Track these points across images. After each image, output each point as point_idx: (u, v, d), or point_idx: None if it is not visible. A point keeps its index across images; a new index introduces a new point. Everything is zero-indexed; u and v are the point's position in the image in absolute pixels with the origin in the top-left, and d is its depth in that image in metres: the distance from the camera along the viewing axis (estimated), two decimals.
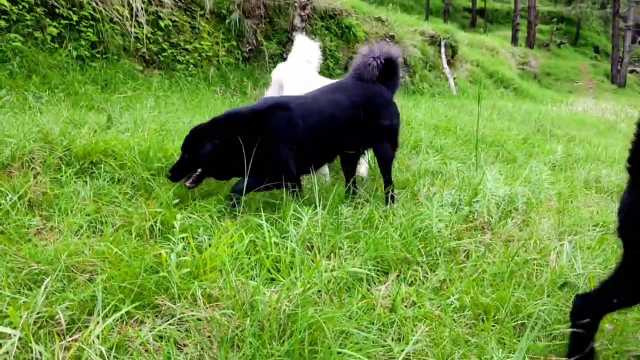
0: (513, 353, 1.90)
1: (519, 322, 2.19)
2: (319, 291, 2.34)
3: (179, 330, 1.98)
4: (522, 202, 3.97)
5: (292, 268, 2.51)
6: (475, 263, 2.79)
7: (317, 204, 2.98)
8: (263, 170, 3.23)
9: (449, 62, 14.99)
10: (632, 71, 35.04)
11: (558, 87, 26.03)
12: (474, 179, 4.17)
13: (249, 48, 9.50)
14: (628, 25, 32.08)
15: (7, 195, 2.81)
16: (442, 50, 14.94)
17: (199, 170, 3.26)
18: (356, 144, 3.76)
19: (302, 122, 3.30)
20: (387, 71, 3.76)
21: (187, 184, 3.27)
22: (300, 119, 3.31)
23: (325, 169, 4.34)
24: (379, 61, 3.66)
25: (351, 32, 11.95)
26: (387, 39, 13.32)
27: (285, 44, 10.01)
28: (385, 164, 3.84)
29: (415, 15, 18.38)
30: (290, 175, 3.36)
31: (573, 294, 2.47)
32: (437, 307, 2.32)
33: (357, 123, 3.57)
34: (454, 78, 14.92)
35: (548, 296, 2.39)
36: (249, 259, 2.53)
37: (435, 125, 7.67)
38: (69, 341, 1.77)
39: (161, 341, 1.91)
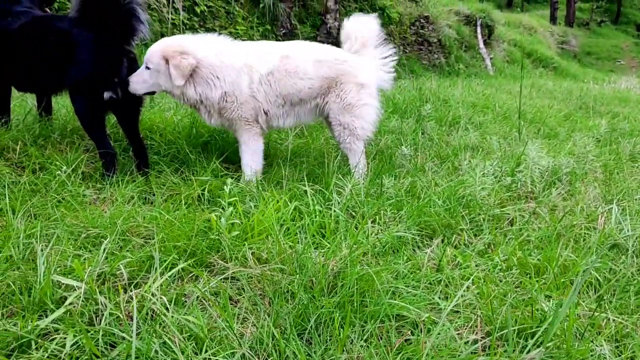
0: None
1: (568, 280, 2.17)
2: (365, 253, 2.37)
3: (232, 288, 2.05)
4: (566, 172, 3.90)
5: (336, 233, 2.55)
6: (521, 228, 2.78)
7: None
8: None
9: (485, 42, 14.70)
10: None
11: (599, 66, 25.19)
12: (516, 151, 4.12)
13: (283, 32, 9.54)
14: None
15: (62, 167, 2.93)
16: (479, 30, 14.66)
17: None
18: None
19: None
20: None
21: None
22: None
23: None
24: None
25: (385, 14, 11.85)
26: (422, 20, 13.18)
27: (319, 27, 10.02)
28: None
29: None
30: None
31: (622, 255, 2.45)
32: (483, 268, 2.32)
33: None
34: (491, 58, 14.64)
35: (597, 257, 2.36)
36: (295, 224, 2.58)
37: (473, 103, 7.57)
38: (130, 295, 1.85)
39: (216, 297, 1.98)
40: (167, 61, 3.11)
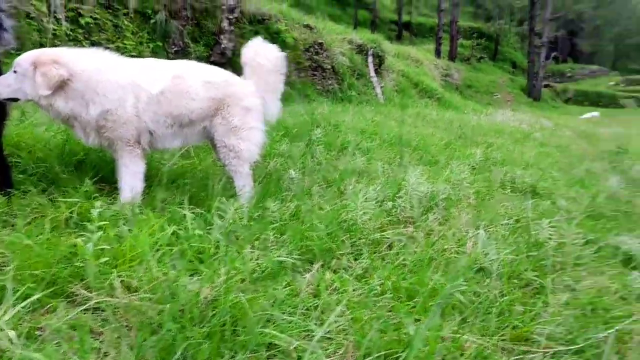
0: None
1: (436, 303, 2.27)
2: (243, 280, 2.32)
3: (95, 319, 1.90)
4: (443, 198, 4.13)
5: (215, 259, 2.47)
6: (398, 252, 2.88)
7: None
8: None
9: (376, 71, 15.36)
10: (546, 85, 37.38)
11: (478, 99, 27.26)
12: (398, 177, 4.30)
13: (175, 49, 9.33)
14: (543, 42, 34.19)
15: None
16: (370, 59, 15.30)
17: None
18: None
19: None
20: None
21: None
22: None
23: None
24: None
25: (280, 38, 12.00)
26: (316, 46, 13.51)
27: (213, 46, 9.91)
28: None
29: (343, 25, 18.71)
30: None
31: (487, 277, 2.61)
32: (360, 293, 2.36)
33: None
34: (382, 87, 15.31)
35: (464, 280, 2.49)
36: (171, 250, 2.47)
37: (362, 130, 7.84)
38: None
39: (74, 330, 1.82)
40: (35, 67, 2.90)
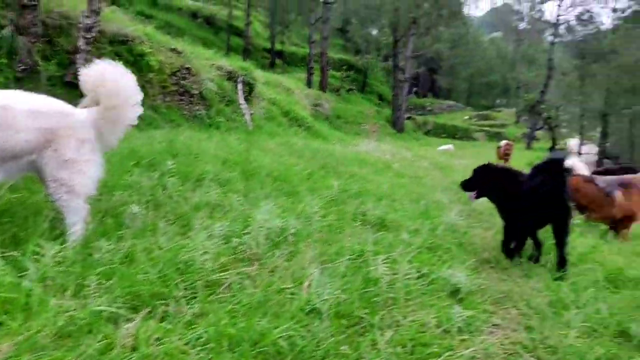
0: None
1: (262, 349, 2.23)
2: (54, 334, 2.11)
3: None
4: (292, 233, 4.15)
5: (25, 310, 2.23)
6: (235, 294, 2.81)
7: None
8: None
9: (246, 98, 15.37)
10: (409, 118, 40.08)
11: (347, 129, 28.40)
12: (247, 212, 4.25)
13: (22, 68, 8.56)
14: (405, 78, 36.73)
15: None
16: (240, 86, 15.29)
17: None
18: None
19: None
20: None
21: None
22: None
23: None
24: None
25: (144, 60, 11.58)
26: (183, 71, 13.22)
27: (68, 66, 9.27)
28: None
29: (214, 50, 18.54)
30: None
31: (318, 318, 2.63)
32: (186, 342, 2.26)
33: None
34: (251, 114, 15.34)
35: (295, 322, 2.49)
36: None
37: (225, 159, 7.72)
38: None
39: None
40: None
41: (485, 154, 25.64)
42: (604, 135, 40.68)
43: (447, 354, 2.52)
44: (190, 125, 12.01)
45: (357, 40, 48.22)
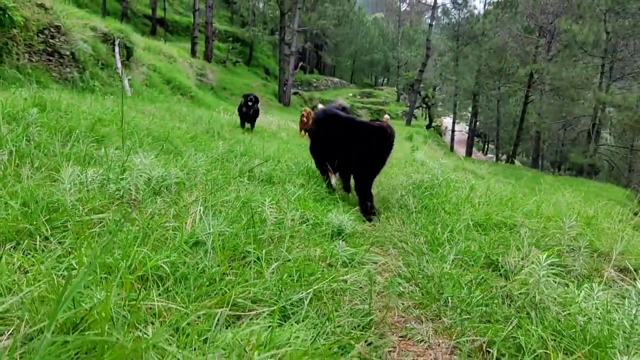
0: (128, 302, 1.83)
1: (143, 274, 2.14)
2: None
3: None
4: (175, 182, 4.01)
5: None
6: (110, 231, 2.66)
7: None
8: None
9: (123, 63, 14.49)
10: (295, 93, 40.27)
11: (233, 101, 27.92)
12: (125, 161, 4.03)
13: None
14: (292, 52, 36.68)
15: None
16: (116, 49, 14.36)
17: None
18: None
19: None
20: None
21: None
22: None
23: None
24: None
25: (7, 15, 10.46)
26: (52, 29, 12.13)
27: None
28: None
29: (89, 12, 17.17)
30: None
31: (202, 250, 2.57)
32: (59, 272, 2.09)
33: None
34: (129, 79, 14.51)
35: (178, 254, 2.41)
36: None
37: (99, 118, 7.24)
38: None
39: None
40: None
41: None
42: (475, 114, 43.94)
43: (331, 279, 2.58)
44: (60, 88, 11.09)
45: (243, 12, 47.33)
